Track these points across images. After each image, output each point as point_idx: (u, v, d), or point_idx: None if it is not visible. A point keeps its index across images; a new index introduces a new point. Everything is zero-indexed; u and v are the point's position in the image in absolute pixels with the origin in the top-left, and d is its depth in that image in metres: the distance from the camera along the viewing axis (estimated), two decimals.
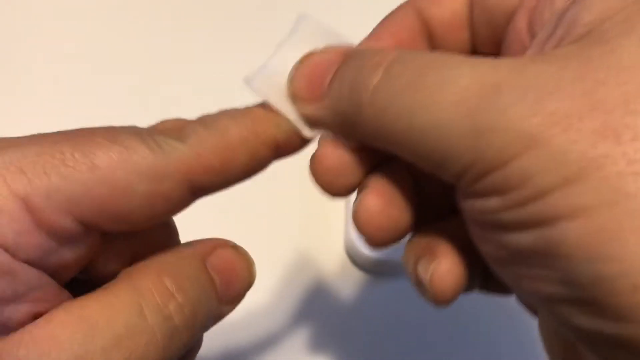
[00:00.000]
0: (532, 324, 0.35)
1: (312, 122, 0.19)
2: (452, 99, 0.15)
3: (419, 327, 0.35)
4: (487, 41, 0.21)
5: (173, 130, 0.18)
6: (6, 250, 0.15)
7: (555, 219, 0.14)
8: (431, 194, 0.21)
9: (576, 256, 0.13)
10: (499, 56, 0.21)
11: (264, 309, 0.35)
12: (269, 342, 0.35)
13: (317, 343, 0.35)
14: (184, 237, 0.21)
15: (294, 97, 0.19)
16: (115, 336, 0.15)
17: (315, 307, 0.36)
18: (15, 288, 0.15)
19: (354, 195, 0.38)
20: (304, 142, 0.20)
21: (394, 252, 0.36)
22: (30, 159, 0.15)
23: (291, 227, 0.39)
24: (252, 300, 0.36)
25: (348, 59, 0.19)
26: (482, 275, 0.21)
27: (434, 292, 0.19)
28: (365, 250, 0.36)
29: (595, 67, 0.14)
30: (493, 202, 0.15)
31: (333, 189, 0.20)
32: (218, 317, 0.19)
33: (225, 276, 0.19)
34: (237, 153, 0.18)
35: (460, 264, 0.20)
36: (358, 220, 0.20)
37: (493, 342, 0.35)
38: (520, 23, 0.19)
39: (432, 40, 0.21)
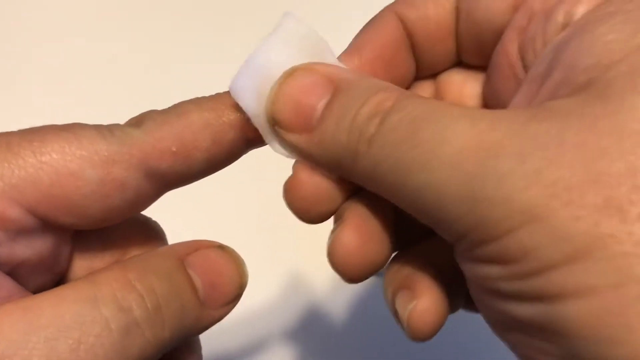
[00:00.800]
0: None
1: (295, 151, 0.18)
2: (448, 160, 0.14)
3: None
4: (473, 53, 0.20)
5: (132, 119, 0.17)
6: None
7: (558, 295, 0.13)
8: (410, 216, 0.21)
9: (580, 335, 0.13)
10: (485, 69, 0.20)
11: (264, 309, 0.36)
12: (269, 342, 0.35)
13: (317, 343, 0.35)
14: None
15: (276, 121, 0.17)
16: (61, 326, 0.14)
17: (315, 307, 0.36)
18: None
19: None
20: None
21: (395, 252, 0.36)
22: None
23: (291, 227, 0.39)
24: (252, 300, 0.36)
25: (339, 93, 0.17)
26: (466, 296, 0.20)
27: (412, 330, 0.19)
28: None
29: (599, 131, 0.13)
30: (493, 271, 0.15)
31: (308, 217, 0.19)
32: (202, 322, 0.17)
33: (209, 277, 0.17)
34: (198, 136, 0.17)
35: (440, 299, 0.19)
36: (333, 257, 0.18)
37: (493, 342, 0.35)
38: (510, 46, 0.18)
39: (416, 51, 0.20)
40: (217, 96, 0.18)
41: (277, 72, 0.18)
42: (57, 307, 0.15)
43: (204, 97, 0.18)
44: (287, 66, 0.18)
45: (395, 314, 0.19)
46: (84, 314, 0.15)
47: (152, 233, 0.20)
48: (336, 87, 0.17)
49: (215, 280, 0.17)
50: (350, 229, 0.18)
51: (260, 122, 0.18)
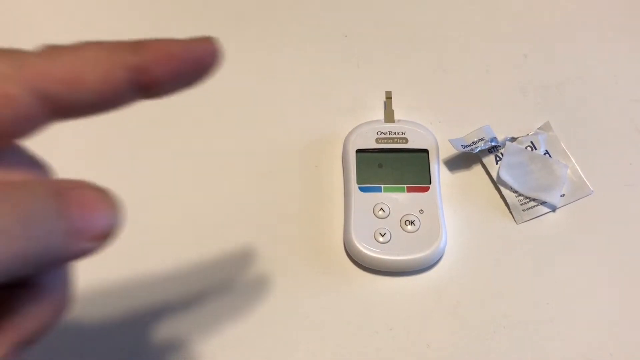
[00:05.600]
0: (529, 324, 0.35)
1: None
2: None
3: (418, 326, 0.35)
4: None
5: (39, 47, 0.18)
6: None
7: None
8: None
9: None
10: None
11: (264, 309, 0.36)
12: (268, 340, 0.35)
13: (317, 342, 0.35)
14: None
15: None
16: None
17: (315, 307, 0.36)
18: None
19: (354, 195, 0.38)
20: (170, 76, 0.19)
21: (394, 251, 0.37)
22: None
23: (291, 227, 0.39)
24: (252, 298, 0.36)
25: None
26: None
27: None
28: (365, 250, 0.36)
29: None
30: None
31: None
32: (73, 251, 0.18)
33: (80, 210, 0.18)
34: (88, 68, 0.18)
35: None
36: None
37: (493, 340, 0.35)
38: None
39: None
40: (119, 41, 0.19)
41: None
42: None
43: (107, 41, 0.18)
44: None
45: None
46: None
47: (40, 169, 0.20)
48: None
49: (87, 214, 0.18)
50: None
51: None
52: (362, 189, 0.38)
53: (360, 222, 0.37)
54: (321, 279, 0.37)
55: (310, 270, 0.37)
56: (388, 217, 0.37)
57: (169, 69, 0.19)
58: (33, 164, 0.20)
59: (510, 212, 0.39)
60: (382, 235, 0.36)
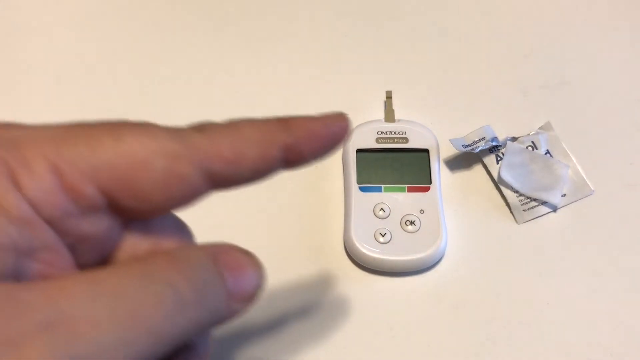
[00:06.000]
0: (528, 321, 0.35)
1: None
2: None
3: (418, 327, 0.35)
4: None
5: (195, 125, 0.19)
6: (30, 204, 0.16)
7: None
8: None
9: None
10: None
11: (264, 309, 0.36)
12: (269, 341, 0.35)
13: (317, 342, 0.35)
14: None
15: None
16: (122, 296, 0.16)
17: (315, 307, 0.36)
18: (32, 241, 0.16)
19: (354, 195, 0.38)
20: (313, 153, 0.21)
21: (394, 252, 0.36)
22: (63, 132, 0.17)
23: (291, 227, 0.39)
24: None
25: None
26: None
27: None
28: (365, 250, 0.36)
29: None
30: None
31: None
32: (227, 313, 0.19)
33: (234, 273, 0.19)
34: (248, 147, 0.19)
35: None
36: None
37: (494, 341, 0.35)
38: None
39: None
40: (266, 119, 0.20)
41: None
42: (118, 280, 0.16)
43: (258, 118, 0.20)
44: None
45: None
46: (141, 288, 0.16)
47: (184, 232, 0.22)
48: None
49: (240, 277, 0.19)
50: None
51: None
52: (362, 189, 0.38)
53: (361, 222, 0.37)
54: (321, 279, 0.37)
55: (310, 270, 0.37)
56: (388, 217, 0.37)
57: (314, 146, 0.20)
58: (179, 226, 0.22)
59: (511, 212, 0.39)
60: (383, 236, 0.36)
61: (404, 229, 0.37)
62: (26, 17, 0.50)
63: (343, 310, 0.36)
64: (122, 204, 0.18)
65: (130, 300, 0.16)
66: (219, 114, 0.45)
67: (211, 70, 0.47)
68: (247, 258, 0.20)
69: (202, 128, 0.19)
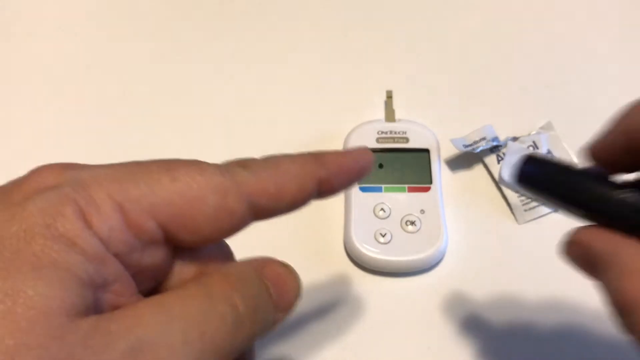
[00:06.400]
0: (528, 322, 0.35)
1: None
2: None
3: (419, 327, 0.35)
4: None
5: (239, 162, 0.21)
6: (101, 241, 0.18)
7: None
8: None
9: None
10: None
11: None
12: (269, 341, 0.35)
13: (317, 342, 0.35)
14: None
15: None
16: (190, 319, 0.18)
17: (315, 307, 0.36)
18: (105, 275, 0.18)
19: (354, 195, 0.38)
20: (342, 184, 0.22)
21: (394, 252, 0.36)
22: (123, 172, 0.19)
23: (291, 227, 0.38)
24: None
25: None
26: None
27: None
28: (365, 250, 0.36)
29: None
30: None
31: None
32: (274, 322, 0.21)
33: (277, 285, 0.21)
34: (288, 182, 0.21)
35: None
36: None
37: (494, 342, 0.35)
38: None
39: None
40: (303, 154, 0.22)
41: None
42: (184, 304, 0.18)
43: (293, 154, 0.22)
44: None
45: None
46: (205, 309, 0.18)
47: (226, 251, 0.23)
48: None
49: (282, 288, 0.21)
50: None
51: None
52: (362, 189, 0.38)
53: (361, 223, 0.37)
54: (321, 279, 0.37)
55: (310, 270, 0.37)
56: (389, 218, 0.37)
57: (345, 178, 0.22)
58: (220, 245, 0.23)
59: (512, 212, 0.39)
60: (383, 236, 0.36)
61: (404, 229, 0.36)
62: (26, 17, 0.50)
63: (343, 310, 0.36)
64: (176, 236, 0.19)
65: (197, 322, 0.18)
66: (219, 114, 0.45)
67: (211, 70, 0.46)
68: (287, 270, 0.22)
69: (246, 164, 0.21)
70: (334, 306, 0.36)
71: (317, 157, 0.22)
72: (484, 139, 0.40)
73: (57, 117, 0.44)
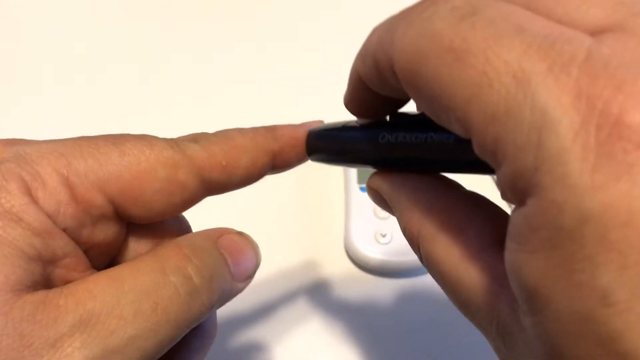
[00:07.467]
0: None
1: None
2: None
3: (419, 327, 0.35)
4: None
5: (190, 136, 0.21)
6: (48, 216, 0.17)
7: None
8: None
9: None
10: None
11: (265, 309, 0.35)
12: (269, 341, 0.35)
13: (317, 343, 0.35)
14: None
15: None
16: (142, 290, 0.18)
17: (315, 307, 0.36)
18: (54, 250, 0.18)
19: (354, 195, 0.38)
20: (297, 158, 0.22)
21: (395, 252, 0.36)
22: (70, 147, 0.19)
23: (291, 227, 0.39)
24: (253, 299, 0.36)
25: None
26: None
27: None
28: (365, 251, 0.36)
29: None
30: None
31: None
32: (232, 292, 0.21)
33: (234, 254, 0.21)
34: (240, 155, 0.21)
35: None
36: None
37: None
38: None
39: None
40: (255, 128, 0.22)
41: None
42: (136, 276, 0.18)
43: (246, 128, 0.22)
44: None
45: None
46: (158, 281, 0.18)
47: (184, 226, 0.23)
48: None
49: (239, 257, 0.21)
50: None
51: None
52: (362, 189, 0.38)
53: (361, 223, 0.37)
54: (321, 279, 0.37)
55: (310, 270, 0.37)
56: (389, 218, 0.37)
57: (299, 152, 0.22)
58: (179, 220, 0.23)
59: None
60: (383, 236, 0.36)
61: None
62: (26, 18, 0.50)
63: (343, 311, 0.36)
64: (127, 211, 0.19)
65: (149, 294, 0.18)
66: (219, 114, 0.45)
67: (211, 70, 0.46)
68: (243, 239, 0.22)
69: (197, 138, 0.21)
70: (334, 306, 0.36)
71: (270, 130, 0.22)
72: None
73: (57, 116, 0.44)
